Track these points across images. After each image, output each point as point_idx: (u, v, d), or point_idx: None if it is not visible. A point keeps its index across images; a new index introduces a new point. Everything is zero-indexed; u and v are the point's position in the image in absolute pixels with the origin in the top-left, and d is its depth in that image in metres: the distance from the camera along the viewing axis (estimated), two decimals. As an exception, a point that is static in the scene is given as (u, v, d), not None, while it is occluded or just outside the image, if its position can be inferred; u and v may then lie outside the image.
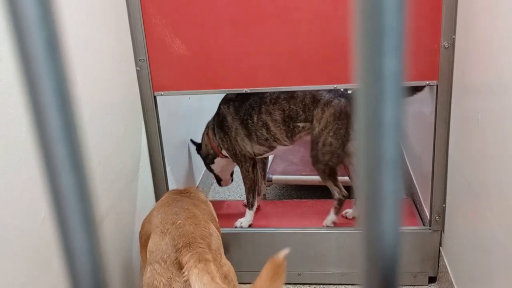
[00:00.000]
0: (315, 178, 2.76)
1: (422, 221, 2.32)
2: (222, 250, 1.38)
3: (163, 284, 1.20)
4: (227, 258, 1.42)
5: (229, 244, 2.14)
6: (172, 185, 2.17)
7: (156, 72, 1.91)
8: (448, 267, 1.92)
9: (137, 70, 1.90)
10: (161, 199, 1.65)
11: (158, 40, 1.87)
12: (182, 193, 1.64)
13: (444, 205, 1.95)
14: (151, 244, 1.31)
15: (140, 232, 1.56)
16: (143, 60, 1.88)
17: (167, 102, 2.17)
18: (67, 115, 0.22)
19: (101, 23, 1.61)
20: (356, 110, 0.28)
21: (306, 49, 1.83)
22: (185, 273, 1.18)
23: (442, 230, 2.00)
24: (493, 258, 1.40)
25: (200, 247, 1.24)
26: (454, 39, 1.73)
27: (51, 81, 0.20)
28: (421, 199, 2.27)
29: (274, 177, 2.74)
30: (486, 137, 1.44)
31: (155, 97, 1.95)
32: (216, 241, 1.35)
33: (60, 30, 0.21)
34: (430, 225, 2.02)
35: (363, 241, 0.29)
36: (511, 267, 1.27)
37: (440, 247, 2.03)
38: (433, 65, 1.79)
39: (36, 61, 0.20)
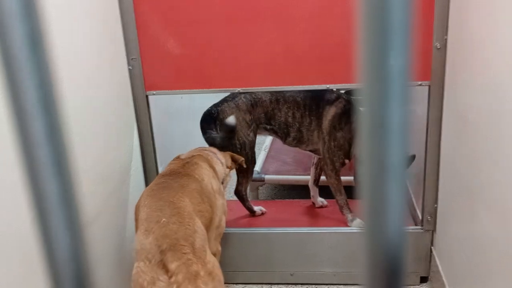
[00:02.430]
0: (308, 178, 2.76)
1: (414, 221, 2.32)
2: (207, 246, 1.40)
3: (147, 282, 1.25)
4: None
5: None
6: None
7: (149, 71, 1.90)
8: (439, 267, 1.93)
9: (129, 69, 1.89)
10: (152, 182, 1.65)
11: (150, 39, 1.86)
12: (174, 172, 1.65)
13: (436, 205, 1.96)
14: (136, 242, 1.35)
15: (134, 216, 1.60)
16: (135, 59, 1.87)
17: (159, 102, 2.16)
18: (51, 115, 0.21)
19: (93, 22, 1.60)
20: (360, 111, 0.27)
21: (301, 48, 1.83)
22: (175, 286, 1.22)
23: (434, 230, 2.00)
24: (485, 258, 1.40)
25: (184, 252, 1.27)
26: (446, 40, 1.74)
27: (34, 80, 0.20)
28: (413, 199, 2.28)
29: (267, 177, 2.74)
30: (478, 137, 1.44)
31: (147, 96, 1.94)
32: (201, 238, 1.37)
33: (43, 27, 0.21)
34: (422, 225, 2.03)
35: (368, 243, 0.28)
36: (502, 267, 1.28)
37: (432, 247, 2.03)
38: (425, 66, 1.79)
39: (17, 58, 0.19)
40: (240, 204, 2.52)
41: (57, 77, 0.22)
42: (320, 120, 2.19)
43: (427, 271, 2.07)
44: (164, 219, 1.36)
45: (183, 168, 1.68)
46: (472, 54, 1.49)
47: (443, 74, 1.78)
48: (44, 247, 0.24)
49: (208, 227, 1.55)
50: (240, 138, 2.28)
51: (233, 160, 2.00)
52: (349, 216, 2.23)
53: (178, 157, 1.83)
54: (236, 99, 2.19)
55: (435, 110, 1.84)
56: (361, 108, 0.29)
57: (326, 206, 2.47)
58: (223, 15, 1.81)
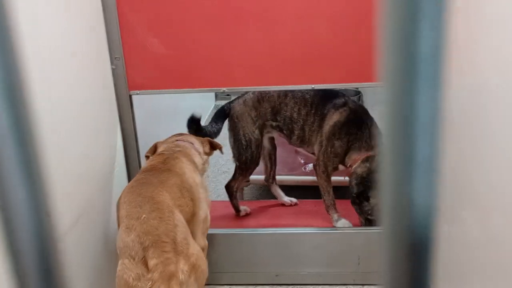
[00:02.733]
0: (293, 178, 2.76)
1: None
2: (189, 238, 1.42)
3: (133, 278, 1.27)
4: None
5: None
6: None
7: (132, 71, 1.88)
8: (423, 266, 1.93)
9: (112, 68, 1.86)
10: (133, 178, 1.65)
11: (134, 38, 1.84)
12: (155, 168, 1.65)
13: (419, 205, 1.96)
14: (118, 239, 1.38)
15: (116, 213, 1.61)
16: (118, 59, 1.85)
17: (143, 101, 2.14)
18: (18, 113, 0.20)
19: (75, 20, 1.57)
20: (382, 103, 0.25)
21: (285, 48, 1.83)
22: (149, 283, 1.25)
23: (418, 230, 2.01)
24: (468, 258, 1.41)
25: (164, 250, 1.30)
26: (430, 40, 1.74)
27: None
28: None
29: (252, 177, 2.72)
30: (462, 137, 1.45)
31: (131, 96, 1.92)
32: (182, 231, 1.39)
33: (10, 21, 0.20)
34: (406, 225, 2.03)
35: (393, 239, 0.26)
36: (485, 266, 1.29)
37: (416, 247, 2.04)
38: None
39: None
40: (224, 204, 2.52)
41: (26, 75, 0.21)
42: (322, 122, 2.19)
43: (411, 270, 2.08)
44: (144, 215, 1.38)
45: (164, 163, 1.68)
46: (457, 55, 1.50)
47: (427, 75, 1.79)
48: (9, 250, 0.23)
49: (189, 221, 1.56)
50: (246, 135, 2.29)
51: (212, 146, 1.99)
52: (335, 216, 2.24)
53: (155, 146, 1.83)
54: (245, 95, 2.24)
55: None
56: (383, 103, 0.26)
57: (295, 204, 2.52)
58: (207, 15, 1.80)
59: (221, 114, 2.32)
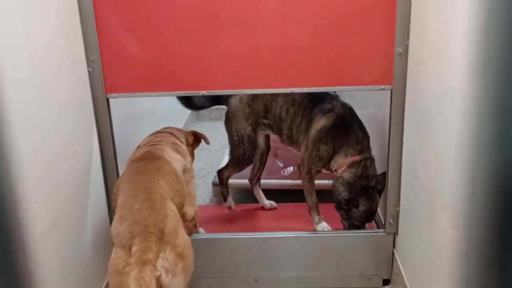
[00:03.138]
0: (272, 182, 2.76)
1: (377, 224, 2.35)
2: (179, 227, 1.49)
3: (122, 266, 1.36)
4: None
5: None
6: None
7: (109, 74, 1.85)
8: (401, 269, 1.95)
9: (89, 71, 1.83)
10: (131, 162, 1.75)
11: (111, 41, 1.81)
12: (147, 156, 1.74)
13: (398, 208, 1.98)
14: (112, 228, 1.46)
15: (113, 202, 1.70)
16: (95, 61, 1.82)
17: (120, 104, 2.11)
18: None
19: (49, 22, 1.54)
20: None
21: (265, 52, 1.82)
22: (127, 268, 1.33)
23: (396, 233, 2.03)
24: (445, 259, 1.42)
25: (148, 240, 1.37)
26: (407, 45, 1.76)
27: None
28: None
29: (231, 181, 2.71)
30: (438, 140, 1.47)
31: (107, 99, 1.89)
32: (172, 221, 1.46)
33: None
34: (385, 228, 2.05)
35: None
36: (462, 267, 1.30)
37: (394, 250, 2.06)
38: (387, 70, 1.82)
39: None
40: (201, 209, 2.51)
41: None
42: (309, 124, 2.21)
43: (389, 273, 2.09)
44: (137, 206, 1.45)
45: (154, 150, 1.78)
46: (432, 59, 1.52)
47: (404, 79, 1.81)
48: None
49: (184, 204, 1.71)
50: (238, 130, 2.32)
51: (196, 138, 2.07)
52: (316, 219, 2.25)
53: (139, 147, 1.90)
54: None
55: (397, 114, 1.87)
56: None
57: (275, 208, 2.55)
58: (186, 18, 1.79)
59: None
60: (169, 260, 1.38)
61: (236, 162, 2.40)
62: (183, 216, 1.73)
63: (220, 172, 2.49)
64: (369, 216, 2.16)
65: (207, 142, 2.11)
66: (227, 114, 2.39)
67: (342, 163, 2.15)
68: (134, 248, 1.35)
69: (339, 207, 2.18)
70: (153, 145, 1.83)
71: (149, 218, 1.42)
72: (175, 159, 1.79)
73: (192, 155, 2.06)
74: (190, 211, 1.85)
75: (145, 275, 1.31)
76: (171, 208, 1.51)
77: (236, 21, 1.79)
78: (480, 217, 1.17)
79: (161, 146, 1.82)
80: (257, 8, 1.78)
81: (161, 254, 1.37)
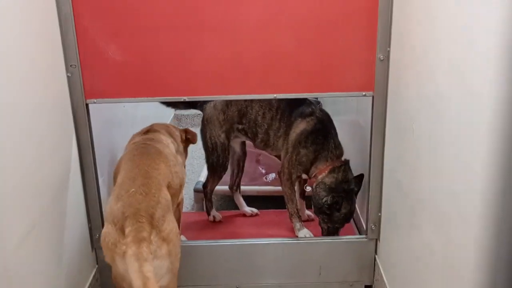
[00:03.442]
0: (254, 189, 2.75)
1: (358, 230, 2.36)
2: (168, 214, 1.58)
3: (111, 243, 1.49)
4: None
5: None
6: (105, 198, 2.08)
7: (89, 79, 1.82)
8: (383, 275, 1.95)
9: (67, 76, 1.80)
10: (134, 139, 1.93)
11: (91, 45, 1.79)
12: (148, 139, 1.90)
13: (379, 214, 1.99)
14: (107, 204, 1.59)
15: (114, 173, 1.82)
16: (74, 66, 1.79)
17: (100, 110, 2.08)
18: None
19: (27, 25, 1.51)
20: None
21: (247, 58, 1.82)
22: (124, 247, 1.45)
23: (378, 239, 2.03)
24: (427, 265, 1.43)
25: (139, 221, 1.47)
26: (389, 51, 1.78)
27: None
28: (357, 208, 2.31)
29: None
30: (420, 146, 1.47)
31: (87, 104, 1.86)
32: (162, 208, 1.55)
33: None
34: (366, 234, 2.05)
35: None
36: (443, 274, 1.30)
37: (376, 256, 2.06)
38: (369, 77, 1.82)
39: None
40: (184, 217, 2.48)
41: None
42: (289, 129, 2.21)
43: (371, 279, 2.10)
44: (133, 189, 1.56)
45: (154, 135, 1.95)
46: (413, 66, 1.53)
47: (386, 85, 1.82)
48: None
49: (182, 186, 1.86)
50: (212, 138, 2.33)
51: (187, 135, 2.22)
52: (298, 225, 2.24)
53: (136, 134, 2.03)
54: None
55: (379, 120, 1.88)
56: None
57: (256, 215, 2.55)
58: (168, 23, 1.77)
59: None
60: (152, 243, 1.48)
61: (212, 170, 2.42)
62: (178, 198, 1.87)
63: (204, 187, 2.50)
64: (349, 217, 2.21)
65: (194, 142, 2.24)
66: (202, 121, 2.40)
67: (323, 169, 2.16)
68: (127, 230, 1.46)
69: (320, 212, 2.19)
70: (152, 131, 1.99)
71: (142, 203, 1.52)
72: (171, 142, 1.98)
73: (185, 152, 2.20)
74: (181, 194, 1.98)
75: (142, 251, 1.42)
76: (165, 196, 1.61)
77: (219, 27, 1.78)
78: (461, 222, 1.18)
79: (159, 132, 1.99)
80: (240, 15, 1.77)
81: (151, 235, 1.48)
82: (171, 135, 2.04)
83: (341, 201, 2.13)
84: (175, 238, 1.57)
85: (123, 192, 1.56)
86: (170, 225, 1.56)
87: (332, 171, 2.16)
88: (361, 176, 2.16)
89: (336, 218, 2.16)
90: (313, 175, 2.21)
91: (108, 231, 1.52)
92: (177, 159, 1.86)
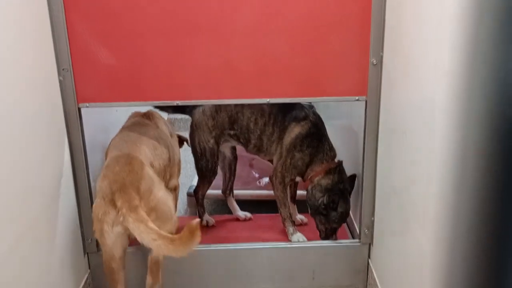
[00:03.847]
0: (246, 193, 2.74)
1: (352, 234, 2.36)
2: (154, 188, 1.72)
3: (101, 214, 1.64)
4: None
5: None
6: (97, 202, 2.06)
7: (81, 83, 1.81)
8: (376, 279, 1.95)
9: (60, 80, 1.79)
10: (122, 128, 2.07)
11: (83, 49, 1.78)
12: (136, 123, 2.07)
13: (373, 218, 1.99)
14: (97, 183, 1.74)
15: (105, 155, 1.96)
16: (66, 70, 1.78)
17: (93, 114, 2.07)
18: None
19: (18, 29, 1.50)
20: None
21: (239, 62, 1.82)
22: (121, 218, 1.61)
23: (371, 243, 2.03)
24: (419, 269, 1.43)
25: (127, 193, 1.63)
26: (382, 56, 1.78)
27: None
28: (350, 213, 2.31)
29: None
30: (412, 151, 1.48)
31: (79, 109, 1.85)
32: (146, 183, 1.70)
33: None
34: (360, 238, 2.06)
35: None
36: (436, 278, 1.30)
37: (369, 260, 2.06)
38: (362, 81, 1.83)
39: None
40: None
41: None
42: (283, 133, 2.21)
43: (364, 283, 2.10)
44: (117, 168, 1.71)
45: (143, 118, 2.11)
46: (406, 70, 1.54)
47: (379, 90, 1.83)
48: None
49: (167, 166, 1.98)
50: (201, 143, 2.33)
51: (180, 140, 2.36)
52: (291, 230, 2.24)
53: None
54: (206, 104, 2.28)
55: (372, 125, 1.88)
56: None
57: (250, 219, 2.55)
58: (160, 27, 1.77)
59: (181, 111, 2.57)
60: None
61: (202, 175, 2.41)
62: (167, 182, 2.00)
63: (195, 192, 2.49)
64: (346, 217, 2.22)
65: (188, 144, 2.41)
66: (191, 126, 2.38)
67: (319, 171, 2.17)
68: (119, 203, 1.62)
69: (317, 213, 2.20)
70: (142, 116, 2.15)
71: (127, 178, 1.68)
72: (164, 125, 2.14)
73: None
74: (173, 181, 2.10)
75: (141, 215, 1.60)
76: (148, 172, 1.75)
77: (211, 31, 1.78)
78: (454, 227, 1.18)
79: (155, 116, 2.15)
80: (233, 19, 1.77)
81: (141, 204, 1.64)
82: (165, 123, 2.20)
83: (337, 199, 2.15)
84: (164, 206, 1.72)
85: (109, 172, 1.70)
86: (157, 196, 1.71)
87: (328, 172, 2.18)
88: (353, 176, 2.20)
89: (334, 218, 2.17)
90: (308, 178, 2.22)
91: (98, 205, 1.67)
92: (160, 142, 1.98)
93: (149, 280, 1.82)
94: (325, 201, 2.15)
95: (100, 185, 1.70)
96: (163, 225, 1.68)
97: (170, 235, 1.58)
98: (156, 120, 2.13)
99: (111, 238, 1.65)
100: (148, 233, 1.56)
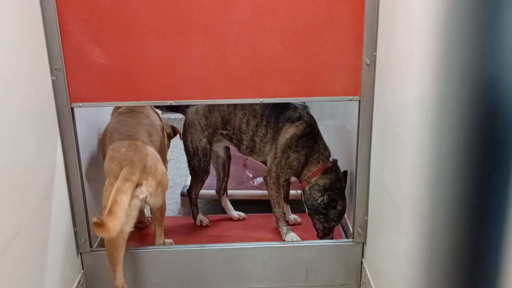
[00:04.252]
0: (241, 193, 2.75)
1: (345, 233, 2.36)
2: (158, 164, 1.94)
3: (111, 191, 1.76)
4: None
5: (149, 262, 2.06)
6: (90, 203, 2.06)
7: (74, 82, 1.81)
8: (370, 278, 1.96)
9: (52, 79, 1.78)
10: (117, 113, 2.22)
11: (76, 49, 1.77)
12: (131, 110, 2.21)
13: (366, 218, 1.99)
14: (105, 165, 1.91)
15: (101, 145, 2.20)
16: (59, 69, 1.77)
17: (85, 114, 2.06)
18: None
19: (10, 28, 1.49)
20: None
21: (233, 62, 1.81)
22: (119, 182, 1.78)
23: (365, 242, 2.04)
24: (413, 268, 1.43)
25: (133, 168, 1.83)
26: (375, 56, 1.79)
27: None
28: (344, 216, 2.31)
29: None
30: (406, 150, 1.48)
31: (72, 108, 1.84)
32: (152, 160, 1.92)
33: None
34: (353, 238, 2.06)
35: None
36: (430, 277, 1.31)
37: (363, 259, 2.07)
38: (355, 81, 1.83)
39: None
40: (170, 221, 2.48)
41: None
42: (277, 134, 2.21)
43: (357, 283, 2.10)
44: (123, 149, 1.90)
45: (137, 107, 2.22)
46: (399, 70, 1.54)
47: (372, 89, 1.83)
48: None
49: (159, 151, 2.09)
50: (193, 142, 2.34)
51: (173, 131, 2.52)
52: (284, 229, 2.24)
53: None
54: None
55: (365, 124, 1.88)
56: None
57: (244, 219, 2.55)
58: (153, 27, 1.76)
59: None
60: (152, 186, 1.87)
61: (194, 174, 2.41)
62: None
63: (188, 192, 2.49)
64: (343, 214, 2.25)
65: (177, 131, 2.54)
66: (184, 125, 2.39)
67: (316, 171, 2.18)
68: (121, 173, 1.80)
69: (316, 213, 2.21)
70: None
71: (134, 156, 1.87)
72: (153, 115, 2.28)
73: (168, 144, 2.49)
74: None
75: (124, 186, 1.75)
76: (151, 150, 1.97)
77: (204, 31, 1.78)
78: (446, 226, 1.19)
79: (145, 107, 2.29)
80: (226, 19, 1.77)
81: (145, 182, 1.84)
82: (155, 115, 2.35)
83: (337, 198, 2.17)
84: (166, 180, 1.98)
85: (116, 153, 1.89)
86: (161, 171, 1.94)
87: (325, 172, 2.19)
88: (345, 173, 2.25)
89: (333, 216, 2.20)
90: (305, 178, 2.22)
91: (109, 182, 1.84)
92: (153, 129, 2.16)
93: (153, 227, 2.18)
94: (325, 200, 2.17)
95: (109, 166, 1.88)
96: (163, 199, 2.01)
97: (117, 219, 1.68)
98: (147, 109, 2.27)
99: None
100: (110, 200, 1.71)
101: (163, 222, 2.14)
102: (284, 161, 2.20)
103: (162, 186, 1.93)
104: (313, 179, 2.20)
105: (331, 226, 2.23)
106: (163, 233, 2.15)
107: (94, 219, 1.62)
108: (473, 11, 1.01)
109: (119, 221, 1.67)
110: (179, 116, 4.35)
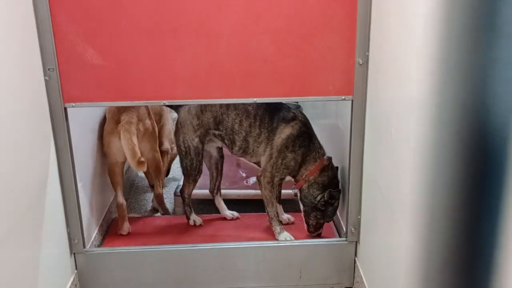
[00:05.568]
0: (233, 192, 2.75)
1: (338, 233, 2.37)
2: (148, 119, 2.38)
3: (110, 129, 2.31)
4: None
5: (142, 262, 2.06)
6: (83, 203, 2.05)
7: (67, 82, 1.80)
8: (363, 277, 1.97)
9: (45, 79, 1.78)
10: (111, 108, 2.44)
11: (69, 49, 1.77)
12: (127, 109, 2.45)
13: (359, 217, 2.00)
14: (107, 111, 2.38)
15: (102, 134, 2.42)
16: (52, 70, 1.77)
17: (79, 114, 2.05)
18: None
19: (4, 29, 1.49)
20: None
21: (226, 62, 1.82)
22: (119, 128, 2.25)
23: (358, 241, 2.05)
24: (406, 267, 1.44)
25: (132, 112, 2.27)
26: (367, 55, 1.80)
27: None
28: (337, 211, 2.32)
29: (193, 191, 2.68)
30: (398, 149, 1.49)
31: (65, 108, 1.84)
32: (144, 114, 2.36)
33: None
34: (346, 237, 2.07)
35: None
36: (423, 276, 1.32)
37: (356, 258, 2.08)
38: (348, 81, 1.84)
39: None
40: (164, 220, 2.47)
41: None
42: (272, 135, 2.22)
43: (351, 282, 2.11)
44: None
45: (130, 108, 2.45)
46: (392, 70, 1.55)
47: (365, 89, 1.84)
48: None
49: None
50: (185, 141, 2.34)
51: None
52: (278, 229, 2.25)
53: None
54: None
55: (358, 124, 1.90)
56: None
57: (237, 218, 2.56)
58: (147, 27, 1.76)
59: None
60: (140, 130, 2.31)
61: (187, 174, 2.41)
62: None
63: (181, 192, 2.49)
64: (337, 208, 2.29)
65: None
66: (176, 125, 2.40)
67: (313, 169, 2.20)
68: (122, 117, 2.24)
69: (314, 210, 2.24)
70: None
71: (129, 108, 2.28)
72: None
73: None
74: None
75: (131, 128, 2.22)
76: (142, 108, 2.37)
77: (197, 31, 1.78)
78: (440, 225, 1.20)
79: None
80: (219, 19, 1.77)
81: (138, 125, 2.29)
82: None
83: (338, 195, 2.22)
84: (154, 132, 2.43)
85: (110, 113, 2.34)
86: (150, 121, 2.38)
87: (322, 170, 2.22)
88: (336, 169, 2.29)
89: (329, 212, 2.24)
90: (303, 177, 2.23)
91: (108, 123, 2.32)
92: (149, 115, 2.47)
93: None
94: (325, 198, 2.20)
95: (111, 111, 2.31)
96: (153, 146, 2.46)
97: (138, 152, 2.22)
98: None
99: (116, 147, 2.29)
100: (128, 144, 2.22)
101: (160, 176, 2.64)
102: (280, 161, 2.21)
103: (147, 133, 2.36)
104: (311, 177, 2.22)
105: (325, 221, 2.28)
106: (161, 184, 2.68)
107: (142, 159, 2.22)
108: (468, 9, 1.02)
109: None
110: (175, 115, 4.35)
